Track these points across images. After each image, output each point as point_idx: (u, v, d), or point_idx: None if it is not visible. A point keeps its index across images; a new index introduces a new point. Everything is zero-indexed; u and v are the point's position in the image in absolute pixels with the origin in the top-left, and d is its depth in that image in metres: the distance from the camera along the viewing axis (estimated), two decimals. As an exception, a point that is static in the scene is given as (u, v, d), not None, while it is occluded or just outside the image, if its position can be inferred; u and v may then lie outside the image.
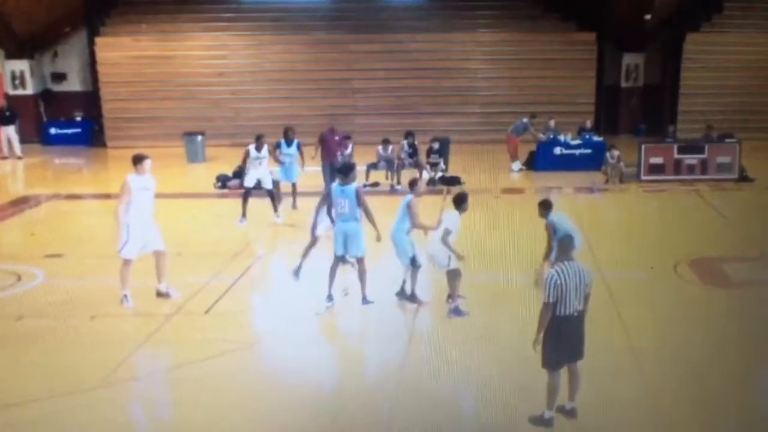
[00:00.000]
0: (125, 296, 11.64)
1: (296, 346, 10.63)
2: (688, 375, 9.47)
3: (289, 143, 17.80)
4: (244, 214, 16.64)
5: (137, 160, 11.91)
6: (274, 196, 16.92)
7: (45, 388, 9.11)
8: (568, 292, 7.93)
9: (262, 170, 16.77)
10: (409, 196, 11.66)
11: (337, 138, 19.33)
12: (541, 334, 8.05)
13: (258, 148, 16.74)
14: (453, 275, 11.35)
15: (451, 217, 11.33)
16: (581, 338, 8.22)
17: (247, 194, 16.72)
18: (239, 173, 20.85)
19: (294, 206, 18.06)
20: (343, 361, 10.51)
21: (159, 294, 12.00)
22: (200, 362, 9.77)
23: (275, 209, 16.87)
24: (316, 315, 11.53)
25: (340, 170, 12.11)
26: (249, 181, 16.72)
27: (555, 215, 11.81)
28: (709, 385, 9.19)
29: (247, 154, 16.79)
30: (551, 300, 7.94)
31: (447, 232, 11.14)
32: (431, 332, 11.22)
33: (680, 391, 9.08)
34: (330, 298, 11.70)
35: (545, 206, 11.95)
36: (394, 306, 11.81)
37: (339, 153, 19.32)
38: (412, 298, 11.83)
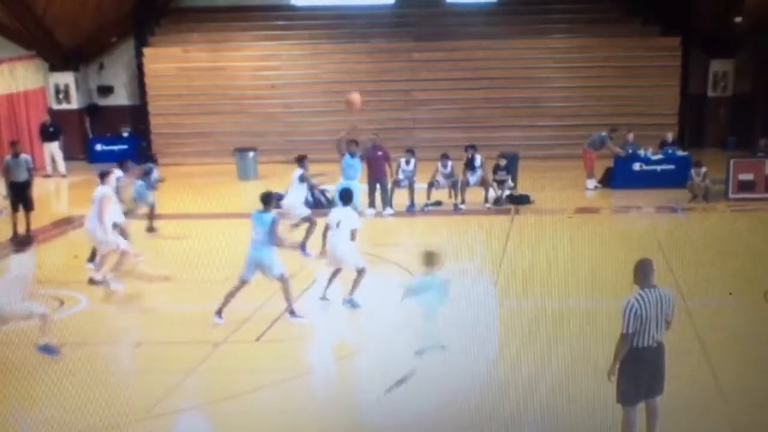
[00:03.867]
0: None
1: (350, 375, 10.76)
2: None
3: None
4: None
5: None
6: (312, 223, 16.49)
7: (87, 420, 9.32)
8: (648, 322, 7.83)
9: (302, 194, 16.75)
10: (272, 215, 12.43)
11: (380, 153, 19.62)
12: (617, 365, 8.01)
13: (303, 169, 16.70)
14: (361, 273, 12.78)
15: (349, 213, 12.93)
16: (661, 372, 8.13)
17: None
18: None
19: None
20: (398, 391, 10.57)
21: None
22: (250, 393, 9.94)
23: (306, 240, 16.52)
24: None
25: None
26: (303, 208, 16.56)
27: None
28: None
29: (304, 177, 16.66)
30: (629, 331, 7.85)
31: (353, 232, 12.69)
32: (490, 360, 11.23)
33: (770, 431, 8.97)
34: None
35: None
36: (449, 334, 11.87)
37: (387, 168, 19.61)
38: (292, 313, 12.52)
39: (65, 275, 15.61)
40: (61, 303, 13.61)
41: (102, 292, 14.13)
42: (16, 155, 18.35)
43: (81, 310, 13.41)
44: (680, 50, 27.92)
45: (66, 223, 20.07)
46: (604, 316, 11.17)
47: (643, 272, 8.00)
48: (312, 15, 29.48)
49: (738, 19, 26.29)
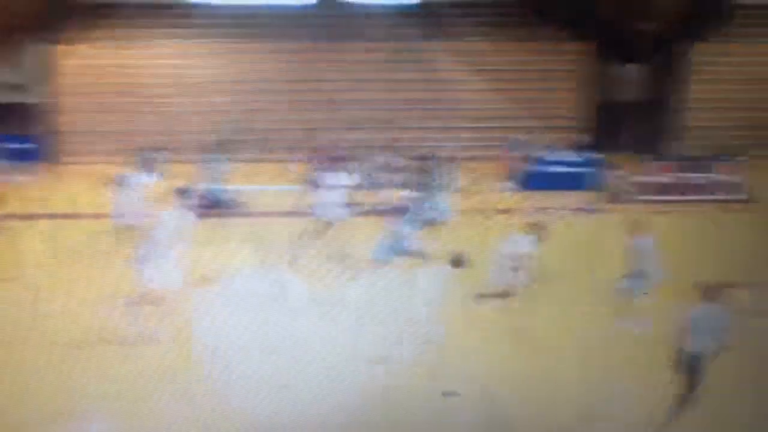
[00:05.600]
0: None
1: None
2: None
3: None
4: None
5: None
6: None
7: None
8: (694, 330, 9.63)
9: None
10: None
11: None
12: None
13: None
14: None
15: None
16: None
17: None
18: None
19: None
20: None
21: None
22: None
23: None
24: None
25: None
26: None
27: None
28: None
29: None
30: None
31: None
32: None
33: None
34: None
35: None
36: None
37: None
38: None
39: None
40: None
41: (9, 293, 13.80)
42: None
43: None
44: (592, 55, 28.43)
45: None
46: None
47: (704, 291, 10.08)
48: (228, 13, 29.17)
49: (648, 25, 26.83)
